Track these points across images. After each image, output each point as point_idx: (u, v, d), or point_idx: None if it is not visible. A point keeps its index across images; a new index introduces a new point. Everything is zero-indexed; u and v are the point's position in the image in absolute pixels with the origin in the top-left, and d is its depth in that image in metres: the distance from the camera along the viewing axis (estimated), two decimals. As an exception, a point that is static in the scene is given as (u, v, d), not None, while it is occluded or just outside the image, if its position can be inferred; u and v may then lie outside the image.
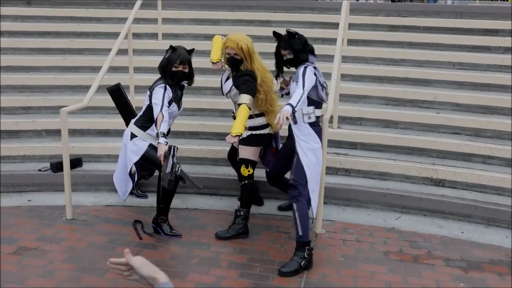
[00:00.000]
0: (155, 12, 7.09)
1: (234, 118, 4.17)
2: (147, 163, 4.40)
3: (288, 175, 4.17)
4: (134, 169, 4.44)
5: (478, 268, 3.87)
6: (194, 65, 4.32)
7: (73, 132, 5.51)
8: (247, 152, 4.29)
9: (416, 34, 6.79)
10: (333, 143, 5.31)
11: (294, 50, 3.94)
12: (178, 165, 3.88)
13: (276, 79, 4.23)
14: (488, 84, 5.99)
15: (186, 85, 4.42)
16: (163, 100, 4.05)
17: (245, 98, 4.03)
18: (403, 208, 4.81)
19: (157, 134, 3.91)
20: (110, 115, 5.86)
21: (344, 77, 6.13)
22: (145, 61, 6.52)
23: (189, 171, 4.35)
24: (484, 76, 6.05)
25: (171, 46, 4.22)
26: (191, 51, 4.28)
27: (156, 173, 4.52)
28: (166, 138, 3.91)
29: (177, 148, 3.92)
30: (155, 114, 4.01)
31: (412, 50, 6.60)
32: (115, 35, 5.88)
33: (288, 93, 4.17)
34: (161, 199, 4.25)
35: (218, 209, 4.84)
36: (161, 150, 3.85)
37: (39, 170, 5.24)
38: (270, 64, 4.31)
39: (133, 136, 4.26)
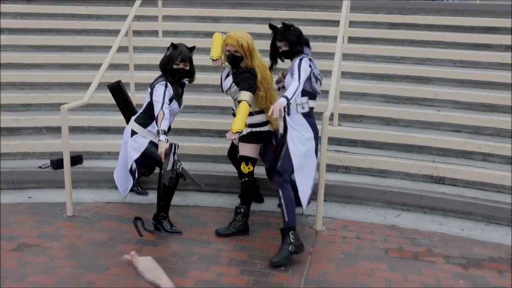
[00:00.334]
0: (155, 10, 7.09)
1: (234, 115, 4.18)
2: (148, 160, 4.40)
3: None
4: (134, 166, 4.44)
5: (478, 266, 3.88)
6: (194, 62, 4.31)
7: (73, 129, 5.51)
8: (247, 149, 4.29)
9: (416, 32, 6.79)
10: (333, 141, 5.32)
11: (289, 42, 3.95)
12: (179, 163, 3.88)
13: (270, 71, 4.23)
14: (489, 82, 5.99)
15: (187, 82, 4.42)
16: (164, 98, 4.04)
17: (245, 95, 4.03)
18: (403, 205, 4.81)
19: (158, 132, 3.91)
20: (110, 112, 5.86)
21: (344, 74, 6.13)
22: (146, 59, 6.52)
23: (190, 169, 4.35)
24: (485, 74, 6.05)
25: (172, 44, 4.22)
26: (192, 49, 4.28)
27: (157, 170, 4.53)
28: (166, 136, 3.91)
29: (178, 145, 3.92)
30: (156, 112, 4.01)
31: (413, 48, 6.60)
32: (116, 32, 5.87)
33: (284, 87, 4.18)
34: (161, 196, 4.26)
35: (218, 206, 4.84)
36: (162, 148, 3.85)
37: (40, 167, 5.24)
38: (270, 61, 4.30)
39: (133, 133, 4.26)
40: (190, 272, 3.70)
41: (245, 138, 4.24)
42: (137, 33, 6.85)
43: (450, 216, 4.68)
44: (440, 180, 5.01)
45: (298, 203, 4.06)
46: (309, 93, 3.99)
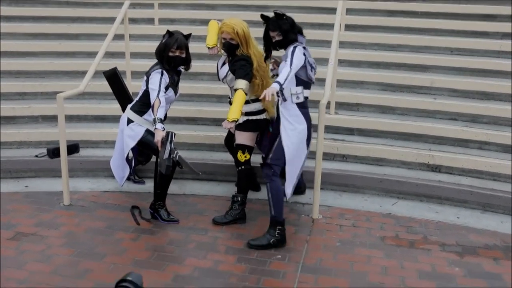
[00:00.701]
0: (151, -3, 7.04)
1: (231, 103, 4.17)
2: (144, 148, 4.40)
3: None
4: (131, 154, 4.44)
5: (473, 253, 3.91)
6: (190, 50, 4.29)
7: (69, 118, 5.48)
8: (243, 138, 4.29)
9: (414, 20, 6.75)
10: (330, 129, 5.31)
11: (282, 31, 3.93)
12: (176, 151, 3.88)
13: (265, 62, 4.22)
14: (486, 70, 5.98)
15: (183, 70, 4.40)
16: (160, 86, 4.03)
17: (241, 84, 4.02)
18: (400, 193, 4.83)
19: (154, 120, 3.90)
20: (107, 100, 5.84)
21: (341, 62, 6.11)
22: (142, 46, 6.48)
23: (186, 157, 4.35)
24: (482, 62, 6.04)
25: (168, 31, 4.19)
26: (188, 36, 4.26)
27: (153, 158, 4.52)
28: (163, 124, 3.91)
29: (174, 133, 3.91)
30: (152, 100, 4.00)
31: (410, 35, 6.57)
32: (112, 20, 5.83)
33: (278, 75, 4.17)
34: (158, 185, 4.26)
35: (215, 195, 4.85)
36: (158, 136, 3.85)
37: (36, 156, 5.23)
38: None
39: (129, 121, 4.24)
40: (187, 260, 3.72)
41: (241, 127, 4.24)
42: (133, 20, 6.81)
43: (446, 204, 4.70)
44: (436, 168, 5.02)
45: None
46: (304, 82, 3.98)
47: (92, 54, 5.69)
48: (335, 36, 4.96)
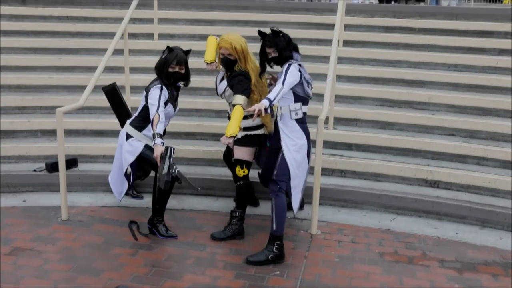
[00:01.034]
0: (151, 12, 7.08)
1: (229, 118, 4.18)
2: (143, 164, 4.40)
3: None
4: (129, 169, 4.43)
5: (472, 269, 3.90)
6: (190, 65, 4.32)
7: (68, 132, 5.49)
8: (242, 153, 4.29)
9: (411, 36, 6.81)
10: (328, 144, 5.32)
11: (278, 48, 3.96)
12: (174, 166, 3.88)
13: (260, 77, 4.24)
14: (483, 86, 6.01)
15: (182, 85, 4.42)
16: (159, 101, 4.05)
17: (240, 99, 4.03)
18: (398, 209, 4.83)
19: (153, 135, 3.91)
20: (106, 115, 5.85)
21: (339, 78, 6.14)
22: (141, 61, 6.51)
23: (185, 172, 4.36)
24: (479, 78, 6.08)
25: (168, 47, 4.22)
26: (187, 52, 4.28)
27: (152, 173, 4.52)
28: (162, 139, 3.91)
29: (174, 148, 3.92)
30: (152, 115, 4.01)
31: (408, 51, 6.62)
32: (111, 35, 5.87)
33: None
34: (157, 200, 4.25)
35: (214, 210, 4.85)
36: (158, 151, 3.85)
37: (34, 170, 5.22)
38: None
39: (128, 136, 4.25)
40: (186, 276, 3.70)
41: (240, 142, 4.24)
42: (132, 35, 6.84)
43: (444, 220, 4.70)
44: (434, 184, 5.02)
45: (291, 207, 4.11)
46: (302, 98, 4.00)
47: (91, 69, 5.72)
48: (334, 52, 4.99)
